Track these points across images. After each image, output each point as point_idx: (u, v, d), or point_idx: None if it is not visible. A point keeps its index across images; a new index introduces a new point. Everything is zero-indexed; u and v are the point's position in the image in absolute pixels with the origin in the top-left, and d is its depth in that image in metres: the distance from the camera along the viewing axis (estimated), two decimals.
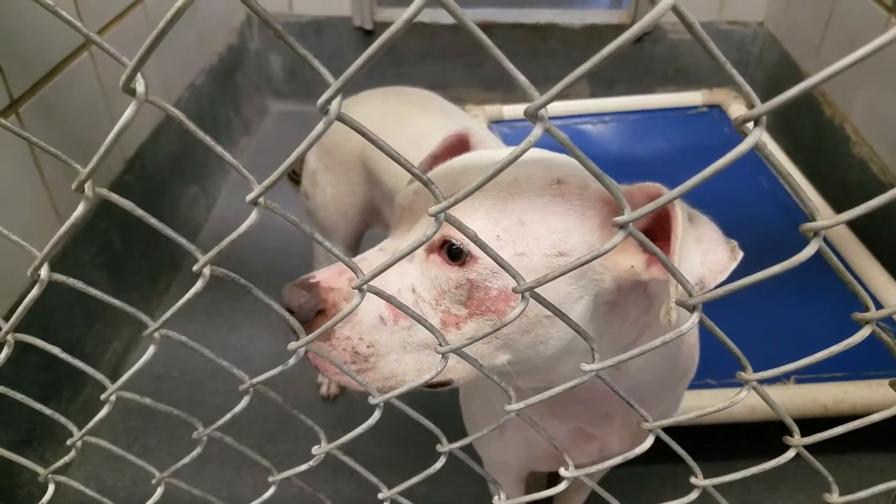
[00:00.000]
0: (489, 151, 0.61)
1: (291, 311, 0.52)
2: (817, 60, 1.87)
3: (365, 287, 0.41)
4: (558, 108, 1.97)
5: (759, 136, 0.31)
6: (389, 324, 0.51)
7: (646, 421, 0.47)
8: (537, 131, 0.32)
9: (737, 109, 1.92)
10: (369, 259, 0.54)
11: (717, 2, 2.17)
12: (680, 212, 0.47)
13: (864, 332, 0.38)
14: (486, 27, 2.23)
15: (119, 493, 1.27)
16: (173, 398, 1.44)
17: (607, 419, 0.70)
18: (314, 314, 0.51)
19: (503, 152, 0.60)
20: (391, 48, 2.28)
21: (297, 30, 2.27)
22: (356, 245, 1.24)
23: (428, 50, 2.27)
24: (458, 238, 0.49)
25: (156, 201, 1.67)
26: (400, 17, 0.29)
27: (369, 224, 1.21)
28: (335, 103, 0.33)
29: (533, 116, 0.32)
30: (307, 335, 0.51)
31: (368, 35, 2.23)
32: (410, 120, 1.05)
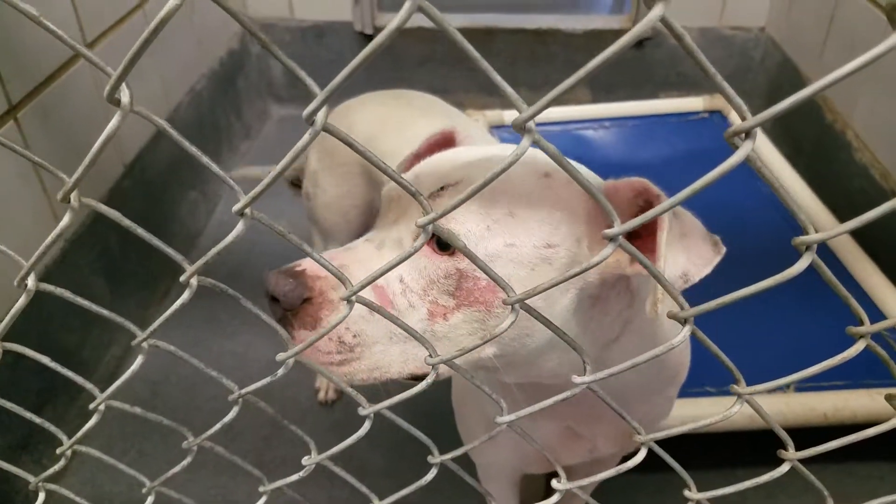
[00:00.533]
0: (477, 147, 0.60)
1: (276, 300, 0.50)
2: (819, 65, 1.86)
3: (353, 299, 0.41)
4: (559, 113, 1.97)
5: (749, 150, 0.30)
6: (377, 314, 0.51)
7: (638, 434, 0.46)
8: (525, 143, 0.32)
9: (738, 115, 1.92)
10: (357, 249, 0.54)
11: (719, 7, 2.17)
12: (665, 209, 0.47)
13: (858, 346, 0.38)
14: (489, 32, 2.23)
15: (115, 499, 1.27)
16: (170, 404, 1.44)
17: (597, 419, 0.70)
18: (300, 302, 0.50)
19: (492, 148, 0.59)
20: (392, 53, 2.28)
21: (299, 35, 2.27)
22: None
23: (429, 55, 2.27)
24: (447, 227, 0.49)
25: (156, 206, 1.67)
26: (389, 25, 0.28)
27: (370, 224, 1.21)
28: (321, 114, 0.32)
29: (521, 128, 0.32)
30: (293, 324, 0.50)
31: (369, 39, 2.24)
32: (411, 123, 1.05)
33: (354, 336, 0.50)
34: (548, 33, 2.22)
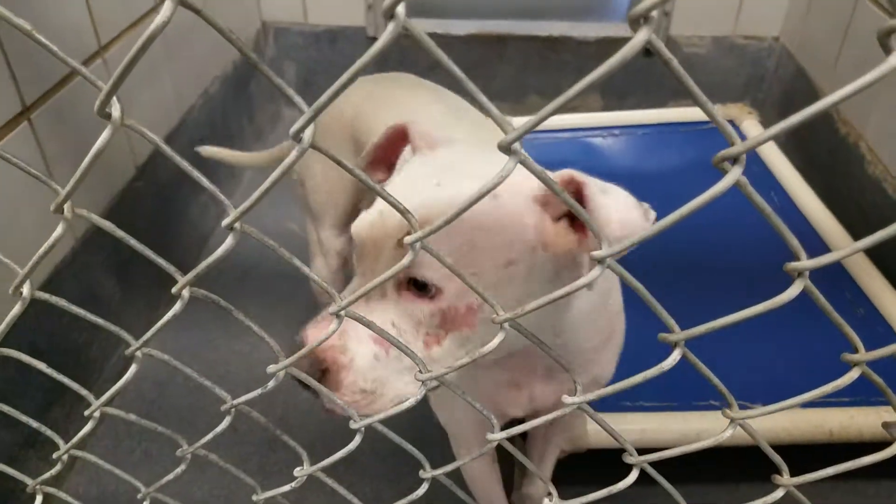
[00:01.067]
0: (436, 170, 0.61)
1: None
2: (832, 77, 1.84)
3: (343, 313, 0.41)
4: (568, 120, 1.96)
5: (737, 176, 0.30)
6: (383, 359, 0.57)
7: (631, 456, 0.46)
8: (510, 165, 0.32)
9: (749, 125, 1.90)
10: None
11: (733, 16, 2.15)
12: (594, 190, 0.52)
13: (852, 375, 0.37)
14: (500, 39, 2.23)
15: (120, 498, 1.28)
16: (176, 404, 1.44)
17: (532, 370, 0.78)
18: (320, 375, 0.56)
19: (454, 172, 0.59)
20: (403, 59, 2.28)
21: (312, 39, 2.28)
22: (347, 225, 1.28)
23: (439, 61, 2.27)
24: (421, 274, 0.54)
25: (167, 207, 1.68)
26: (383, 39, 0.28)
27: (358, 202, 1.22)
28: (308, 132, 0.33)
29: (507, 150, 0.31)
30: (315, 383, 0.56)
31: None
32: (397, 99, 1.10)
33: (372, 382, 0.57)
34: (559, 41, 2.21)
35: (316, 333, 0.57)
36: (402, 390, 0.58)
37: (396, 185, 0.60)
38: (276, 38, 2.30)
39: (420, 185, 0.58)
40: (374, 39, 2.25)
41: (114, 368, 1.45)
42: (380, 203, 0.58)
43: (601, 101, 2.28)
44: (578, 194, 0.53)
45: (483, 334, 0.57)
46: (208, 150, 1.53)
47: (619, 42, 2.20)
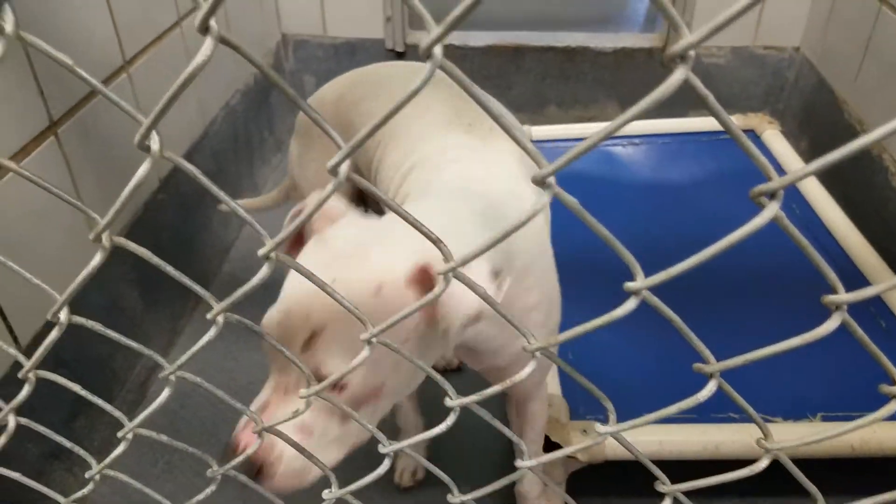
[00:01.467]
0: (333, 264, 0.64)
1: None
2: (854, 88, 1.82)
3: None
4: (588, 129, 1.96)
5: (775, 211, 0.30)
6: (307, 443, 0.63)
7: (664, 485, 0.45)
8: (545, 198, 0.32)
9: (771, 135, 1.88)
10: (272, 405, 0.64)
11: (753, 26, 2.14)
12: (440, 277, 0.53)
13: (890, 407, 0.37)
14: (517, 50, 2.23)
15: None
16: (198, 415, 1.46)
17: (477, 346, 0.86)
18: (255, 471, 0.64)
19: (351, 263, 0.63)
20: None
21: (332, 51, 2.30)
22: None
23: None
24: (327, 372, 0.59)
25: (189, 218, 1.70)
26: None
27: (349, 198, 1.22)
28: (344, 167, 0.33)
29: (541, 183, 0.32)
30: (262, 481, 0.64)
31: (400, 57, 2.26)
32: (381, 83, 1.13)
33: (301, 465, 0.63)
34: (577, 51, 2.21)
35: (249, 436, 0.63)
36: (329, 458, 0.66)
37: (305, 287, 0.62)
38: (295, 51, 2.32)
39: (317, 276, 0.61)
40: (393, 52, 2.27)
41: (136, 379, 1.47)
42: (286, 301, 0.62)
43: (620, 110, 2.27)
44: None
45: (390, 400, 0.66)
46: (225, 208, 1.63)
47: (636, 52, 2.20)
